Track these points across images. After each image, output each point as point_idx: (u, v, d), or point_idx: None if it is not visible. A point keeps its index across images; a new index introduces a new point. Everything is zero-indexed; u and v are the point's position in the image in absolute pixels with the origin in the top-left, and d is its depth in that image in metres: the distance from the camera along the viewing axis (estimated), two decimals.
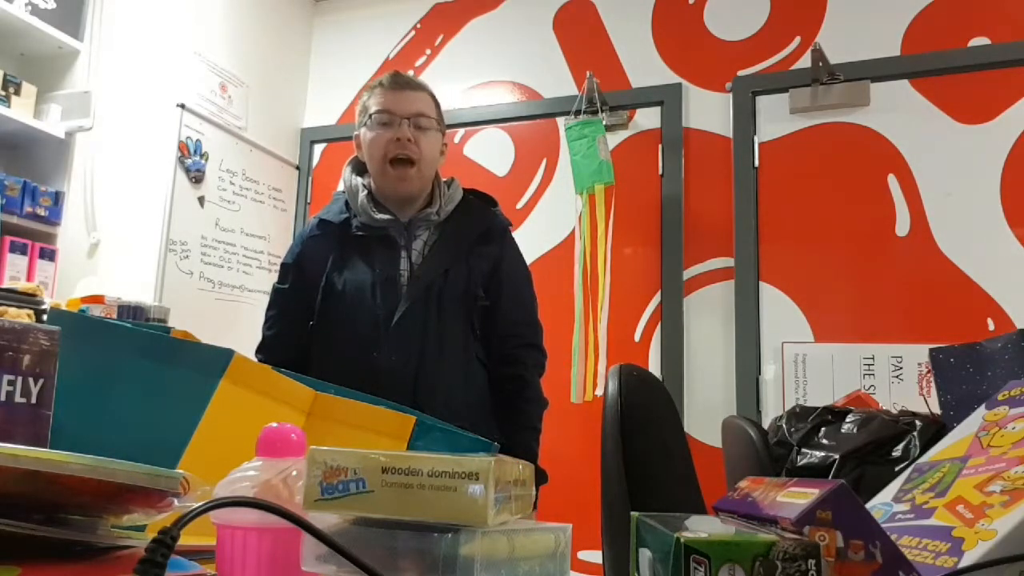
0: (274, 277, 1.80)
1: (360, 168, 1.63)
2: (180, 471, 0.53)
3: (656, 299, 2.86)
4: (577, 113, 2.91)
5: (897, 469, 1.10)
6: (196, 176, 2.90)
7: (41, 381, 0.63)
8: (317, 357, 1.51)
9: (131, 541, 0.54)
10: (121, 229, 2.73)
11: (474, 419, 1.47)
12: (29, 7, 2.49)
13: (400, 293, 1.47)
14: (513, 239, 1.65)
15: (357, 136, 1.60)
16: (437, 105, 1.59)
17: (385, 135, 1.50)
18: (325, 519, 0.47)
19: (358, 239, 1.52)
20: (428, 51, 3.42)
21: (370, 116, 1.53)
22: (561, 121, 3.01)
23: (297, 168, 3.52)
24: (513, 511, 0.49)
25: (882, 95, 2.68)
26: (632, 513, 0.53)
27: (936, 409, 1.11)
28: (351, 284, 1.48)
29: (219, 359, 0.78)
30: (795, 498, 0.50)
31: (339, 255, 1.52)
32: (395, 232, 1.53)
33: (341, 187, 1.63)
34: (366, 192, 1.56)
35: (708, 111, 2.91)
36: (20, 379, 0.62)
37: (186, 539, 0.42)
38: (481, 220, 1.59)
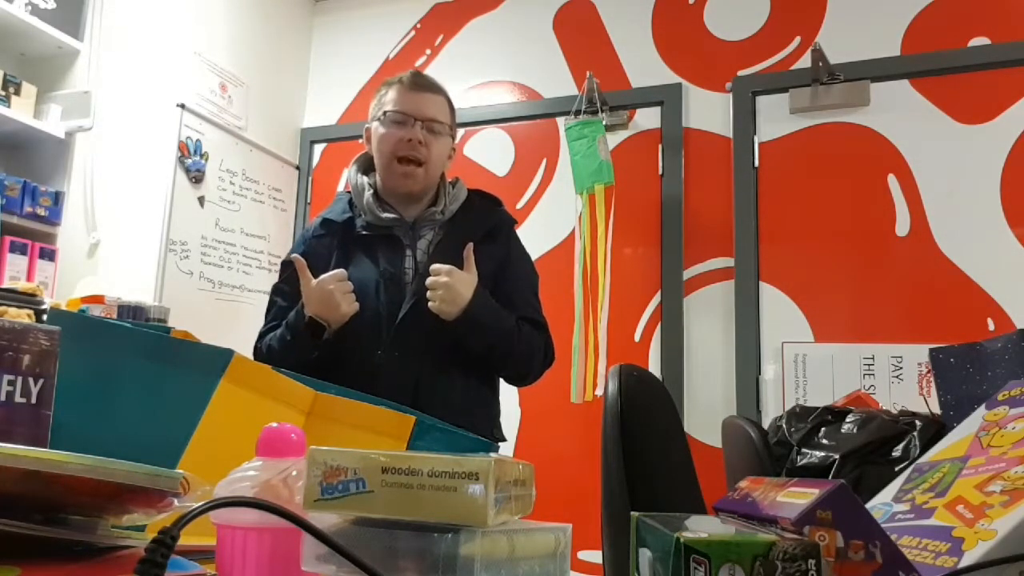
0: (274, 277, 1.79)
1: (365, 167, 1.63)
2: (180, 471, 0.53)
3: (656, 299, 2.86)
4: (577, 113, 2.91)
5: (897, 469, 1.10)
6: (196, 176, 2.90)
7: (41, 381, 0.63)
8: (320, 355, 1.51)
9: (131, 541, 0.54)
10: (121, 229, 2.73)
11: (475, 419, 1.47)
12: (29, 7, 2.48)
13: (404, 292, 1.47)
14: (518, 237, 1.65)
15: (368, 130, 1.59)
16: (452, 110, 1.60)
17: (397, 134, 1.51)
18: (325, 519, 0.47)
19: (362, 238, 1.52)
20: (428, 51, 3.42)
21: (384, 113, 1.53)
22: (561, 121, 3.01)
23: (297, 168, 3.52)
24: (513, 511, 0.49)
25: (882, 95, 2.68)
26: (632, 513, 0.53)
27: (936, 409, 1.11)
28: (355, 282, 1.47)
29: (219, 359, 0.78)
30: (795, 498, 0.50)
31: (343, 254, 1.52)
32: (400, 231, 1.53)
33: (342, 186, 1.63)
34: (371, 191, 1.56)
35: (708, 111, 2.91)
36: (20, 379, 0.62)
37: (186, 539, 0.42)
38: (486, 218, 1.59)
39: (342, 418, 0.85)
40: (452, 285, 1.39)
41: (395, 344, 1.44)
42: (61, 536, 0.49)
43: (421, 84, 1.56)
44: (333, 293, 1.40)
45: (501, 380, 1.62)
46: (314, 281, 1.42)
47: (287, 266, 1.57)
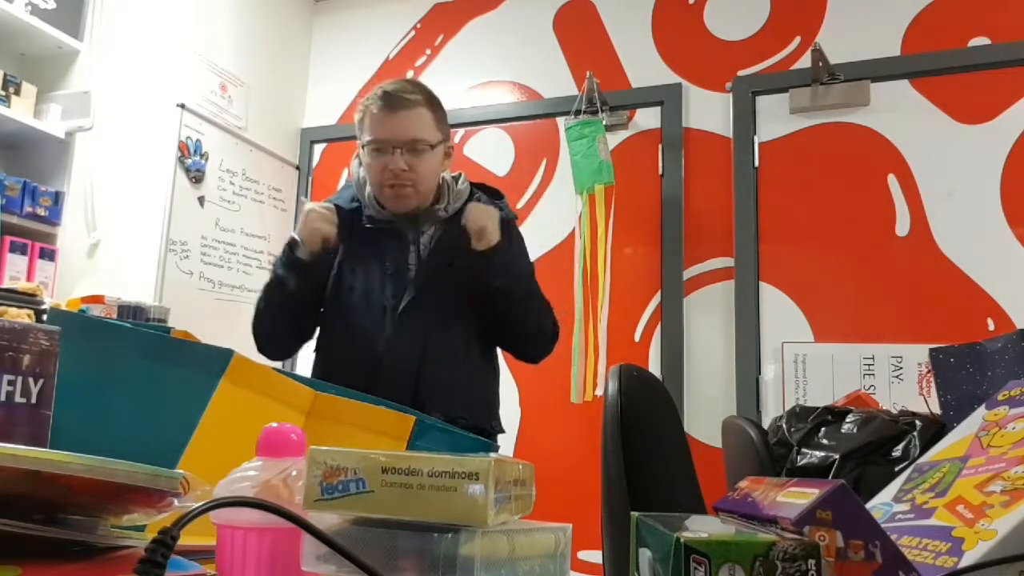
0: None
1: None
2: (180, 471, 0.53)
3: (656, 299, 2.86)
4: (577, 113, 2.91)
5: (897, 469, 1.10)
6: (196, 176, 2.90)
7: (41, 381, 0.63)
8: (323, 345, 1.54)
9: (131, 541, 0.54)
10: (121, 229, 2.73)
11: (475, 415, 1.48)
12: (29, 7, 2.48)
13: (407, 285, 1.48)
14: (519, 232, 1.65)
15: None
16: (436, 117, 1.51)
17: (379, 162, 1.47)
18: (325, 519, 0.47)
19: (367, 231, 1.54)
20: (428, 51, 3.42)
21: (364, 145, 1.50)
22: (561, 121, 3.01)
23: (297, 168, 3.52)
24: (513, 511, 0.49)
25: (882, 95, 2.68)
26: (632, 513, 0.53)
27: (936, 409, 1.11)
28: (360, 275, 1.50)
29: (219, 359, 0.78)
30: (795, 498, 0.50)
31: (349, 245, 1.53)
32: (403, 226, 1.54)
33: (343, 185, 1.64)
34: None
35: (708, 111, 2.91)
36: (20, 379, 0.62)
37: (186, 539, 0.42)
38: None
39: (342, 418, 0.85)
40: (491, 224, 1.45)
41: (396, 336, 1.45)
42: (61, 536, 0.49)
43: (393, 105, 1.45)
44: (312, 211, 1.45)
45: (500, 378, 1.62)
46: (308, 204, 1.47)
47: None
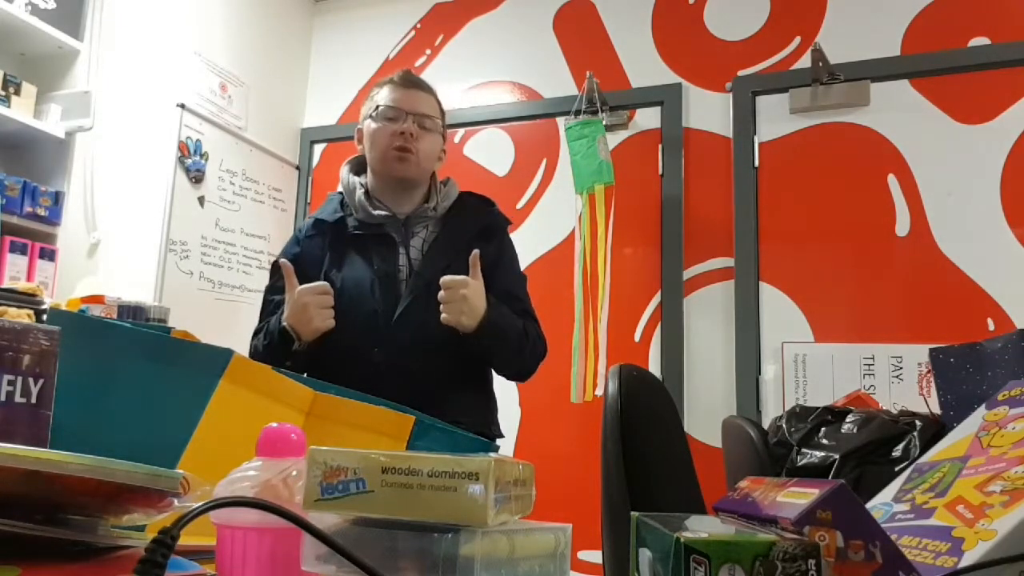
0: None
1: (357, 168, 1.64)
2: (180, 471, 0.53)
3: (656, 299, 2.86)
4: (577, 113, 2.91)
5: (897, 469, 1.10)
6: (196, 176, 2.90)
7: (41, 381, 0.63)
8: (319, 353, 1.51)
9: (131, 541, 0.54)
10: (121, 229, 2.73)
11: (473, 418, 1.47)
12: (29, 7, 2.48)
13: (400, 290, 1.48)
14: (511, 238, 1.65)
15: (359, 130, 1.61)
16: (442, 110, 1.62)
17: (389, 128, 1.52)
18: (325, 519, 0.47)
19: (355, 237, 1.53)
20: (428, 51, 3.42)
21: (377, 108, 1.55)
22: (561, 121, 3.01)
23: (297, 168, 3.52)
24: (513, 511, 0.49)
25: (882, 95, 2.68)
26: (632, 513, 0.53)
27: (936, 409, 1.11)
28: (350, 281, 1.48)
29: (219, 359, 0.78)
30: (795, 498, 0.50)
31: (336, 254, 1.52)
32: (392, 229, 1.53)
33: (340, 188, 1.64)
34: (363, 190, 1.57)
35: (708, 111, 2.91)
36: (20, 379, 0.62)
37: (186, 539, 0.42)
38: (481, 217, 1.60)
39: (342, 418, 0.85)
40: (470, 297, 1.38)
41: (392, 341, 1.44)
42: (61, 536, 0.49)
43: (412, 82, 1.58)
44: (308, 307, 1.39)
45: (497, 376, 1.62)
46: (297, 288, 1.41)
47: (277, 269, 1.56)
